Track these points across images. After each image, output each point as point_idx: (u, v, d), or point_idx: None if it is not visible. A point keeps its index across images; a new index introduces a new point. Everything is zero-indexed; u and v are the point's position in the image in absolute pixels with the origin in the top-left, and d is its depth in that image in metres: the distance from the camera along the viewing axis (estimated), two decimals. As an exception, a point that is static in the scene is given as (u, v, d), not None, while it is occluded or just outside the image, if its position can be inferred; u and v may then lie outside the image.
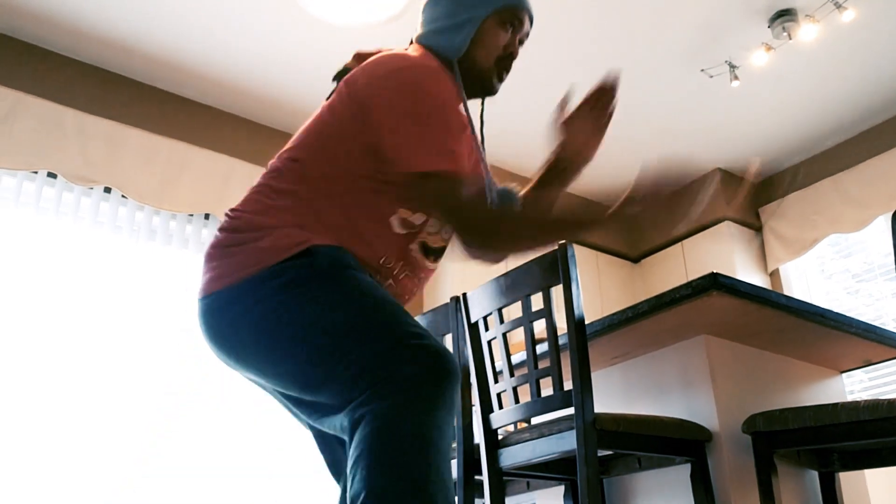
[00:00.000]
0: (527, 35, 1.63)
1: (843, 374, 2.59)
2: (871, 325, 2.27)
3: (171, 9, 3.83)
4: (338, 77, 1.58)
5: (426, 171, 1.36)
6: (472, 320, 2.22)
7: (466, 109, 1.57)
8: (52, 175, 3.91)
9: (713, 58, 4.28)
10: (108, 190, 4.06)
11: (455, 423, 2.23)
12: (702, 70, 4.37)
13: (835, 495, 2.19)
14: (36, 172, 3.87)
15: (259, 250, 1.34)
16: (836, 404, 1.88)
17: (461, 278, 4.75)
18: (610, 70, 1.61)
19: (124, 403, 3.66)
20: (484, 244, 1.41)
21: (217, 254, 1.39)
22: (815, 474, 2.26)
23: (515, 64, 1.63)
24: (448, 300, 2.30)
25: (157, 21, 3.91)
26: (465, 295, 2.24)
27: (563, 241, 1.81)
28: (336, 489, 1.50)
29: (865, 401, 1.83)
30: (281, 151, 1.50)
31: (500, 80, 1.61)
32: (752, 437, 2.03)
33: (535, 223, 1.47)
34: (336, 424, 1.31)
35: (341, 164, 1.41)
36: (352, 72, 1.49)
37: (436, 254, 1.53)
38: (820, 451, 2.22)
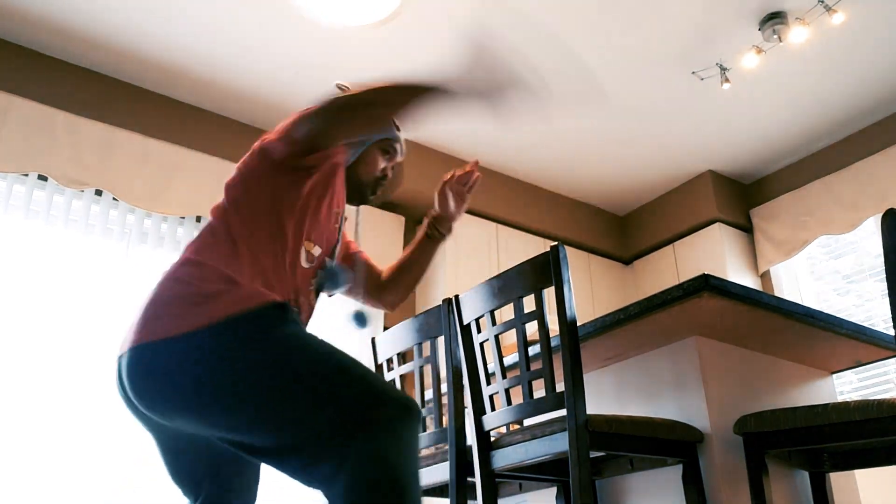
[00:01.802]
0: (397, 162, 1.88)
1: (834, 375, 2.60)
2: (861, 325, 2.28)
3: (162, 11, 3.82)
4: None
5: (308, 112, 1.65)
6: (465, 322, 2.22)
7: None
8: (42, 178, 3.90)
9: (704, 60, 4.30)
10: (99, 192, 4.04)
11: (449, 427, 2.23)
12: (693, 72, 4.39)
13: (825, 496, 2.20)
14: (26, 175, 3.85)
15: (218, 303, 1.38)
16: (826, 405, 1.89)
17: (453, 280, 4.75)
18: (473, 162, 1.92)
19: (122, 404, 3.64)
20: (351, 121, 1.65)
21: (167, 300, 1.42)
22: (805, 475, 2.27)
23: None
24: (440, 302, 2.30)
25: (149, 24, 3.90)
26: (457, 297, 2.25)
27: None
28: None
29: (856, 401, 1.84)
30: (214, 205, 1.64)
31: (374, 194, 1.84)
32: (743, 438, 2.04)
33: (372, 89, 1.61)
34: (295, 467, 1.38)
35: (265, 206, 1.59)
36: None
37: (318, 291, 1.69)
38: (811, 452, 2.23)
